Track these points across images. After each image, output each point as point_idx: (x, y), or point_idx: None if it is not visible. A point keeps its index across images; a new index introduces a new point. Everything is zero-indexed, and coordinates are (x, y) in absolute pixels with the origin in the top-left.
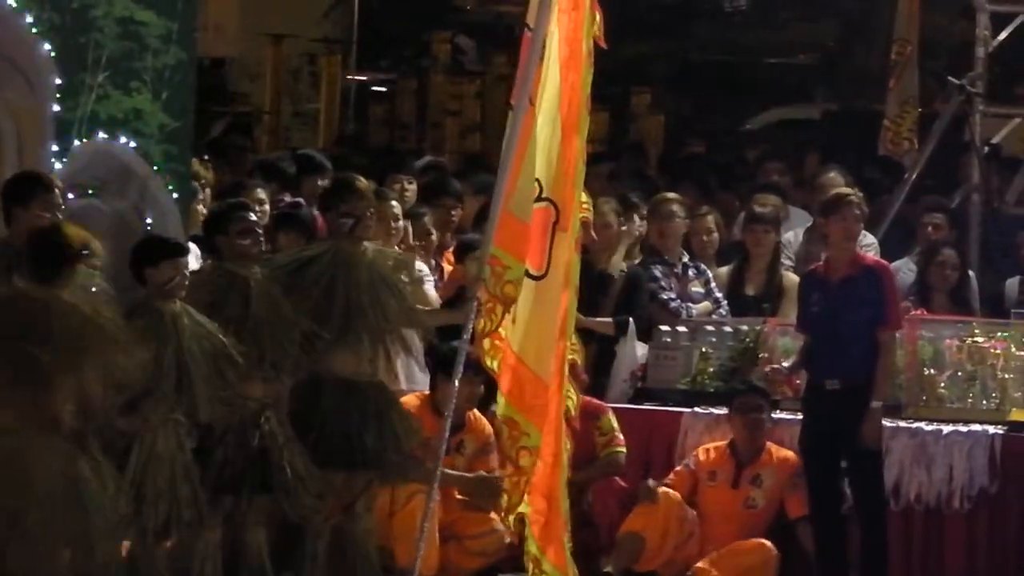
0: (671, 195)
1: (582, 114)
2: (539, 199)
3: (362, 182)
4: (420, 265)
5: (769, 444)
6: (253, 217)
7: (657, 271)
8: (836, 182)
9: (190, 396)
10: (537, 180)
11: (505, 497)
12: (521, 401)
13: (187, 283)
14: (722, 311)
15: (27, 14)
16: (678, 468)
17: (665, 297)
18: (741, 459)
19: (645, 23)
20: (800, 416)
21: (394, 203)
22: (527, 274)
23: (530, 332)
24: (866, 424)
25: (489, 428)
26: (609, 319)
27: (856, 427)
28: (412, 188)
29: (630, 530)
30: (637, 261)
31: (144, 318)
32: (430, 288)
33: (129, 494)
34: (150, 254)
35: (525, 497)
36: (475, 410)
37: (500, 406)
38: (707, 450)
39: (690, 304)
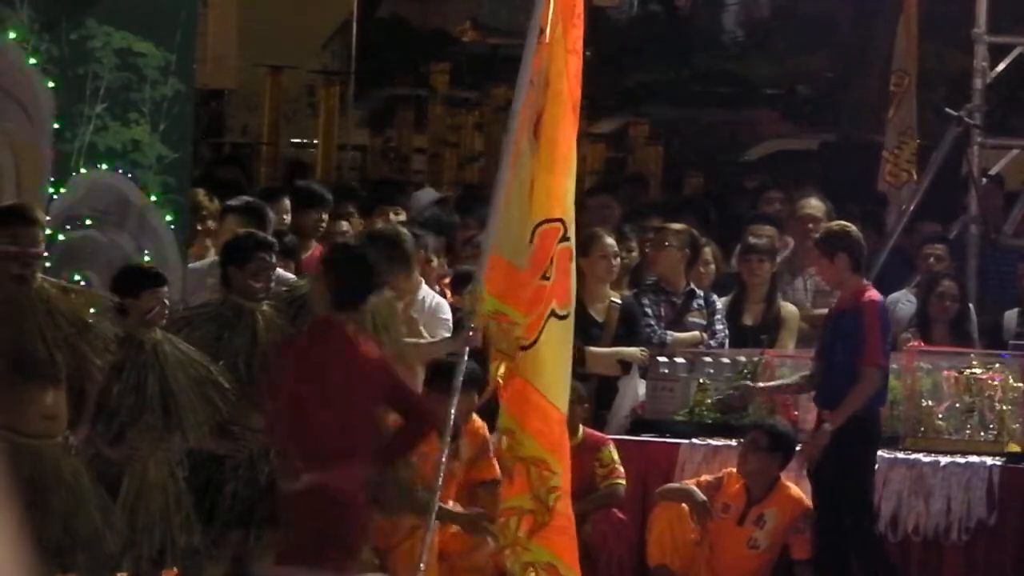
0: (669, 225)
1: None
2: (548, 221)
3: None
4: (440, 300)
5: (783, 481)
6: (270, 259)
7: (645, 299)
8: (815, 207)
9: (179, 423)
10: (562, 220)
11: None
12: (550, 440)
13: (178, 313)
14: (713, 343)
15: (26, 45)
16: (706, 479)
17: (643, 324)
18: (752, 496)
19: (643, 54)
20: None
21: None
22: (555, 314)
23: (557, 371)
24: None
25: (485, 430)
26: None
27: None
28: (399, 218)
29: (658, 564)
30: (633, 292)
31: (125, 348)
32: (443, 329)
33: (122, 523)
34: (130, 284)
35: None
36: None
37: (528, 446)
38: (733, 476)
39: (667, 332)
